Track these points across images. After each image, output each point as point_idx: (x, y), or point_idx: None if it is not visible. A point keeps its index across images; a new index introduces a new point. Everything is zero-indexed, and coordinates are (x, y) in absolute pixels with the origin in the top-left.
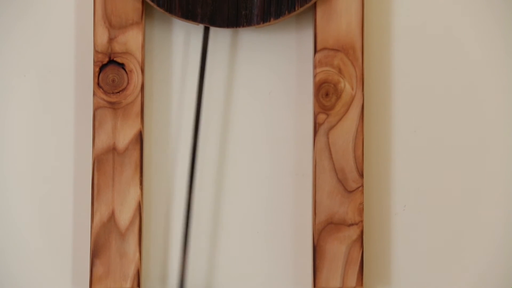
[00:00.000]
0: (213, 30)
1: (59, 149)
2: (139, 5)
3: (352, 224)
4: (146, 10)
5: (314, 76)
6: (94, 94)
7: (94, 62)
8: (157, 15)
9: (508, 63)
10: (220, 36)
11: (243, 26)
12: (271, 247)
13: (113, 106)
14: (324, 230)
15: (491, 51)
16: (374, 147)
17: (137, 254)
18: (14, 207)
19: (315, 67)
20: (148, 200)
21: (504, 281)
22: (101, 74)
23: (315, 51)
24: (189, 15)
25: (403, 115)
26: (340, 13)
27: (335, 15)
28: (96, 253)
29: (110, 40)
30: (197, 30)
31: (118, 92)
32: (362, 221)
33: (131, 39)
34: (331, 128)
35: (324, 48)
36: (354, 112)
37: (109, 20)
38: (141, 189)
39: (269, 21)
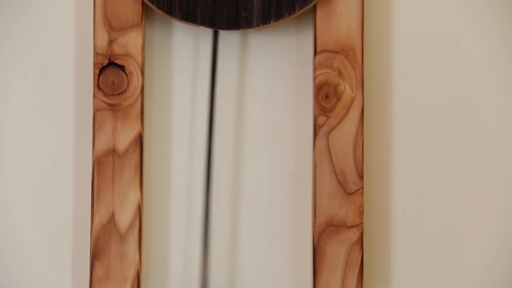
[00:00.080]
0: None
1: (59, 151)
2: (139, 7)
3: (352, 226)
4: (146, 12)
5: (314, 78)
6: (94, 96)
7: (94, 64)
8: (157, 17)
9: (508, 65)
10: (220, 38)
11: (243, 28)
12: (271, 249)
13: (113, 108)
14: (324, 232)
15: (491, 53)
16: (374, 149)
17: (137, 256)
18: (14, 209)
19: (315, 69)
20: (148, 202)
21: (504, 281)
22: (101, 76)
23: (315, 53)
24: (189, 17)
25: (403, 117)
26: (340, 15)
27: (335, 17)
28: (96, 255)
29: (110, 42)
30: (198, 32)
31: (118, 94)
32: (362, 223)
33: (131, 41)
34: (331, 130)
35: (324, 50)
36: (354, 114)
37: (109, 22)
38: (141, 191)
39: (269, 23)
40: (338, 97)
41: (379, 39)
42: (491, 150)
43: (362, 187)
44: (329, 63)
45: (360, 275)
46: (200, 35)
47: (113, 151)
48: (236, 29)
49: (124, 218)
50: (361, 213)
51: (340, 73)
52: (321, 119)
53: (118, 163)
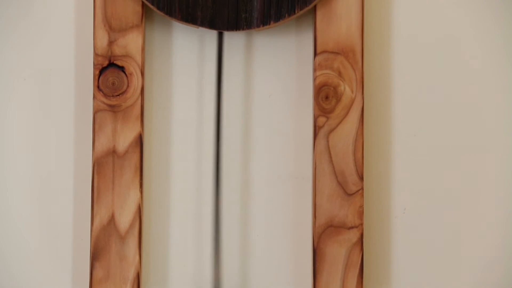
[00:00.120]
0: (212, 34)
1: (59, 152)
2: (139, 8)
3: (352, 227)
4: (146, 13)
5: (314, 79)
6: (94, 97)
7: (94, 65)
8: (157, 18)
9: (508, 65)
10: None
11: (243, 29)
12: (271, 250)
13: (113, 109)
14: (324, 233)
15: (491, 53)
16: (374, 150)
17: (137, 257)
18: (14, 209)
19: (315, 70)
20: (148, 203)
21: (504, 281)
22: (101, 77)
23: (315, 54)
24: (189, 18)
25: (403, 118)
26: (340, 16)
27: (335, 18)
28: (96, 256)
29: (110, 43)
30: (197, 33)
31: (118, 95)
32: (362, 224)
33: (131, 42)
34: (331, 131)
35: (324, 51)
36: (354, 115)
37: (109, 23)
38: (141, 192)
39: (269, 24)
40: (338, 98)
41: (379, 40)
42: (491, 150)
43: (362, 188)
44: (329, 64)
45: (360, 276)
46: (202, 36)
47: (113, 152)
48: (236, 30)
49: (124, 219)
50: (361, 214)
51: (340, 74)
52: (321, 120)
53: (118, 164)
